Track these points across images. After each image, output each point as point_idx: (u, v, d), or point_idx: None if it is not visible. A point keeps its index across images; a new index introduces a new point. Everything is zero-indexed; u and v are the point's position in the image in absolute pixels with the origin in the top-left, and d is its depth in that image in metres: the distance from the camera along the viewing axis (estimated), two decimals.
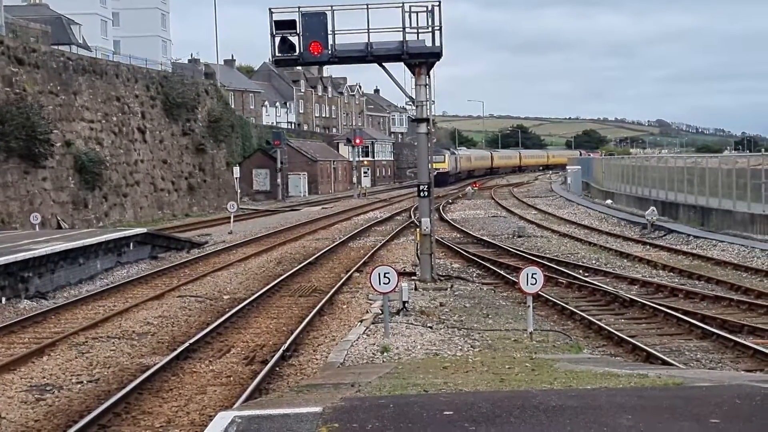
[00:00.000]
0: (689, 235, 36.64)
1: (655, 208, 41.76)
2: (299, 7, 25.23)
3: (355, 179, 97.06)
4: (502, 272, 27.93)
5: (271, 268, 31.79)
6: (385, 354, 16.18)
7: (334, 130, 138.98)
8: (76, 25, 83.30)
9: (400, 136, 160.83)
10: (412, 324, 19.35)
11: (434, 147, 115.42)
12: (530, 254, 32.47)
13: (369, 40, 25.70)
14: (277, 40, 25.35)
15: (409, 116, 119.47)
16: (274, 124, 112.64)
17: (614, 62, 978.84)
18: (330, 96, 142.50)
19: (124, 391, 14.26)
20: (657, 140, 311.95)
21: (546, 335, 18.58)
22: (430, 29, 25.63)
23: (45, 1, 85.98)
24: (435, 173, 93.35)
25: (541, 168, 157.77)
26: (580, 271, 27.90)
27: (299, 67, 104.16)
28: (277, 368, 16.20)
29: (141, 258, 34.76)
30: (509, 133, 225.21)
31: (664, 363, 15.53)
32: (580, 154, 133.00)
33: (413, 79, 26.45)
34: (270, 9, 25.27)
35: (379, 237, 42.06)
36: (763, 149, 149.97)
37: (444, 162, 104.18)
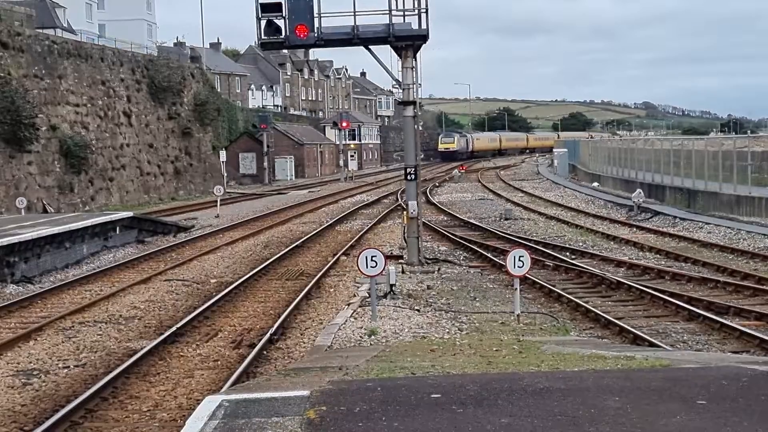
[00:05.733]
0: (675, 217, 36.72)
1: (641, 191, 41.81)
2: None
3: (341, 162, 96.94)
4: (489, 255, 27.92)
5: (258, 251, 31.73)
6: (373, 337, 16.17)
7: (321, 113, 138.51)
8: (61, 8, 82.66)
9: (386, 119, 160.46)
10: (399, 307, 19.35)
11: (446, 131, 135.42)
12: (517, 237, 32.48)
13: (355, 22, 25.59)
14: (263, 23, 25.22)
15: (395, 99, 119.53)
16: (261, 107, 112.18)
17: (600, 45, 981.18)
18: (316, 79, 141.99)
19: (111, 376, 14.23)
20: (643, 122, 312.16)
21: (533, 318, 18.60)
22: (416, 12, 25.58)
23: None
24: (446, 151, 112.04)
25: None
26: (567, 254, 27.93)
27: (285, 51, 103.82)
28: (265, 352, 16.18)
29: (127, 242, 34.67)
30: (496, 116, 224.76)
31: (651, 345, 15.56)
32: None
33: (400, 62, 26.38)
34: None
35: (366, 220, 42.04)
36: (749, 131, 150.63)
37: (453, 143, 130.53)
